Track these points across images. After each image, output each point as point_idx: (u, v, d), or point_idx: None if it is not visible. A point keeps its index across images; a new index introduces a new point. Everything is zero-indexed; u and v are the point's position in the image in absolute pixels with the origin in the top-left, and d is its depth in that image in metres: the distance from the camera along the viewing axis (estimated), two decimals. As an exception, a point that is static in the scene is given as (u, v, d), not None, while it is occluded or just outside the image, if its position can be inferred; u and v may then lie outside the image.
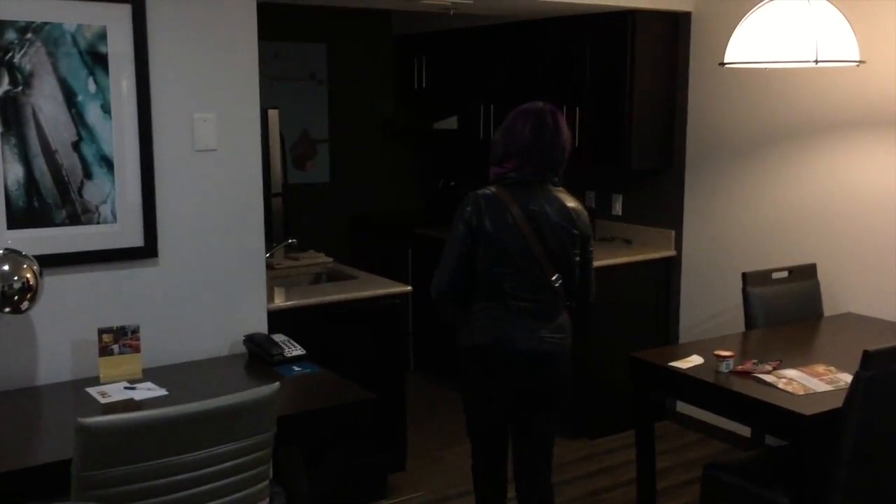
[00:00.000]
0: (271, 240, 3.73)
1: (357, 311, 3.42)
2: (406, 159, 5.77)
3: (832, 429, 2.46)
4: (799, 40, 2.78)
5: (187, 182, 2.83)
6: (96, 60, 2.63)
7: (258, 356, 2.84)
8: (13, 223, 2.58)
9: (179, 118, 2.78)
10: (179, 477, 1.96)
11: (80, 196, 2.66)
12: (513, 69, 4.71)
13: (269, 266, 3.55)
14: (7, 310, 2.42)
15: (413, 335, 5.07)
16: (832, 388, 2.64)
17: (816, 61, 2.79)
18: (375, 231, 5.39)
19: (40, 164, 2.59)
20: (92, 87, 2.64)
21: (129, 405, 2.43)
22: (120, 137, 2.69)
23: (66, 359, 2.68)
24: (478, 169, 2.92)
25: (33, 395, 2.59)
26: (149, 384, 2.58)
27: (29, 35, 2.53)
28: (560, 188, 2.78)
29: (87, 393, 2.52)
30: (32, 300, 2.44)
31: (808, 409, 2.49)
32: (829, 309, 3.64)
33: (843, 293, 3.67)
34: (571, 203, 2.75)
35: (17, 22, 2.51)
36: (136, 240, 2.76)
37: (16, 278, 2.40)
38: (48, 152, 2.60)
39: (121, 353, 2.64)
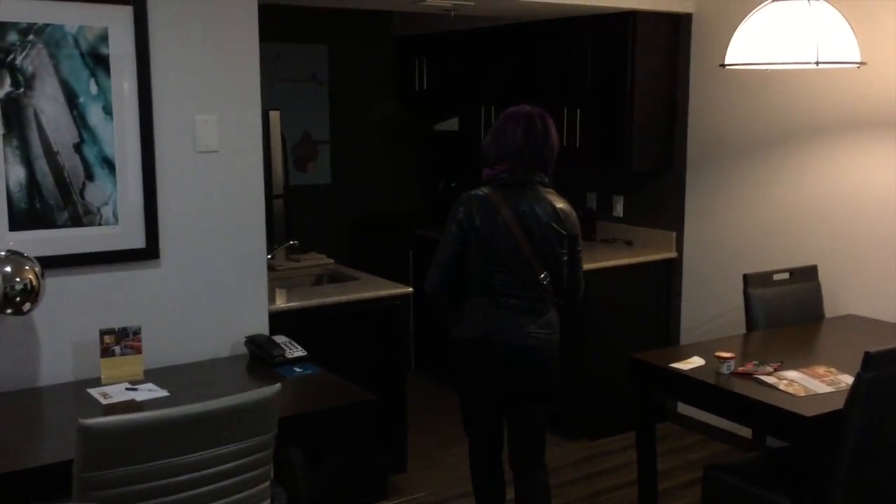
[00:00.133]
0: (272, 241, 3.73)
1: (358, 312, 3.42)
2: (407, 161, 5.78)
3: (833, 430, 2.46)
4: (800, 42, 2.78)
5: (189, 183, 2.83)
6: (98, 62, 2.64)
7: (259, 357, 2.84)
8: (15, 225, 2.58)
9: (181, 120, 2.79)
10: (181, 478, 1.96)
11: (82, 198, 2.67)
12: (513, 71, 4.72)
13: (271, 267, 3.56)
14: (9, 311, 2.43)
15: (414, 336, 5.07)
16: (833, 390, 2.64)
17: (817, 63, 2.79)
18: (376, 232, 5.40)
19: (42, 165, 2.60)
20: (93, 88, 2.64)
21: (131, 406, 2.43)
22: (121, 139, 2.70)
23: (67, 360, 2.68)
24: (478, 170, 2.97)
25: (35, 396, 2.60)
26: (150, 385, 2.58)
27: (31, 37, 2.54)
28: (550, 190, 2.87)
29: (89, 394, 2.52)
30: (34, 301, 2.45)
31: (809, 411, 2.49)
32: (830, 310, 3.64)
33: (844, 295, 3.67)
34: (560, 204, 2.85)
35: (18, 24, 2.51)
36: (137, 241, 2.76)
37: (17, 280, 2.41)
38: (50, 154, 2.60)
39: (122, 354, 2.64)
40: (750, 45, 2.90)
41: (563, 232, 2.83)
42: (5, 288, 2.39)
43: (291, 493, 2.54)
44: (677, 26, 4.22)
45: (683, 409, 4.30)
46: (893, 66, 3.43)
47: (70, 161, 2.63)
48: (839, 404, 2.48)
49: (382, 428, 3.49)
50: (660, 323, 4.40)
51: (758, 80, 3.89)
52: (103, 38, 2.63)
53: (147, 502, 1.93)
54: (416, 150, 5.77)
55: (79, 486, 1.89)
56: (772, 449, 3.29)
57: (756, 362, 2.82)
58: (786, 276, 3.56)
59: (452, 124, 5.13)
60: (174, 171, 2.80)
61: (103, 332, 2.63)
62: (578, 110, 4.33)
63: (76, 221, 2.66)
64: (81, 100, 2.63)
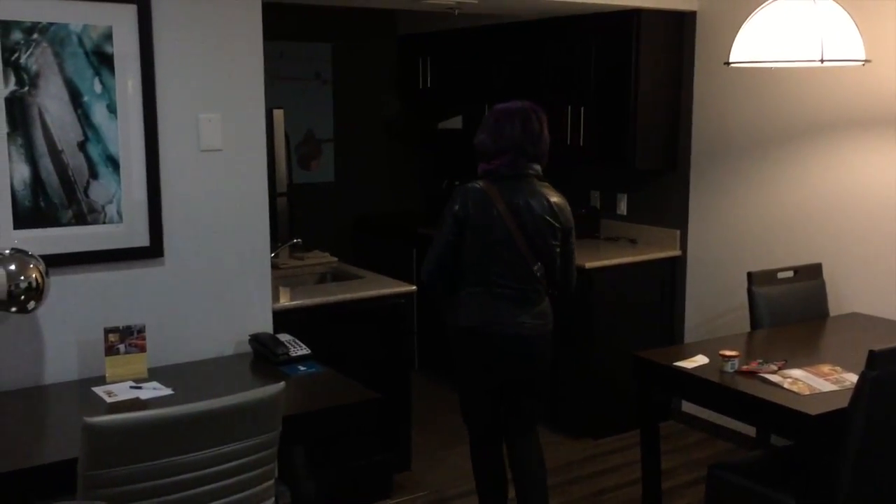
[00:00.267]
0: (276, 239, 3.73)
1: (362, 310, 3.42)
2: (410, 159, 5.78)
3: (838, 429, 2.46)
4: (804, 39, 2.77)
5: (193, 182, 2.83)
6: (102, 61, 2.64)
7: (263, 356, 2.85)
8: (19, 223, 2.58)
9: (185, 118, 2.79)
10: (185, 476, 1.96)
11: (86, 196, 2.67)
12: (517, 69, 4.71)
13: (275, 266, 3.56)
14: (13, 309, 2.43)
15: (417, 335, 5.07)
16: (838, 388, 2.63)
17: (822, 60, 2.78)
18: (379, 230, 5.40)
19: (46, 164, 2.60)
20: (98, 87, 2.64)
21: (135, 404, 2.43)
22: (126, 137, 2.70)
23: (72, 358, 2.69)
24: (482, 169, 2.99)
25: (39, 394, 2.60)
26: (154, 384, 2.58)
27: (35, 35, 2.54)
28: (545, 183, 2.96)
29: (93, 392, 2.53)
30: (38, 300, 2.45)
31: (814, 409, 2.48)
32: (834, 309, 3.64)
33: (848, 293, 3.66)
34: (555, 198, 2.93)
35: (23, 22, 2.52)
36: (141, 239, 2.76)
37: (22, 278, 2.41)
38: (54, 152, 2.61)
39: (127, 352, 2.65)
40: (754, 43, 2.89)
41: (557, 225, 2.91)
42: (10, 286, 2.39)
43: (295, 491, 2.54)
44: (681, 24, 4.21)
45: (687, 407, 4.30)
46: (898, 63, 3.42)
47: (74, 159, 2.64)
48: (844, 403, 2.48)
49: (386, 426, 3.49)
50: (663, 321, 4.39)
51: (762, 77, 3.88)
52: (108, 36, 2.64)
53: (151, 500, 1.94)
54: (420, 148, 5.77)
55: (83, 484, 1.90)
56: (776, 447, 3.28)
57: (760, 361, 2.82)
58: (790, 274, 3.56)
59: (456, 123, 5.13)
60: (178, 170, 2.80)
61: (108, 331, 2.63)
62: (582, 108, 4.32)
63: (80, 220, 2.67)
64: (86, 98, 2.63)
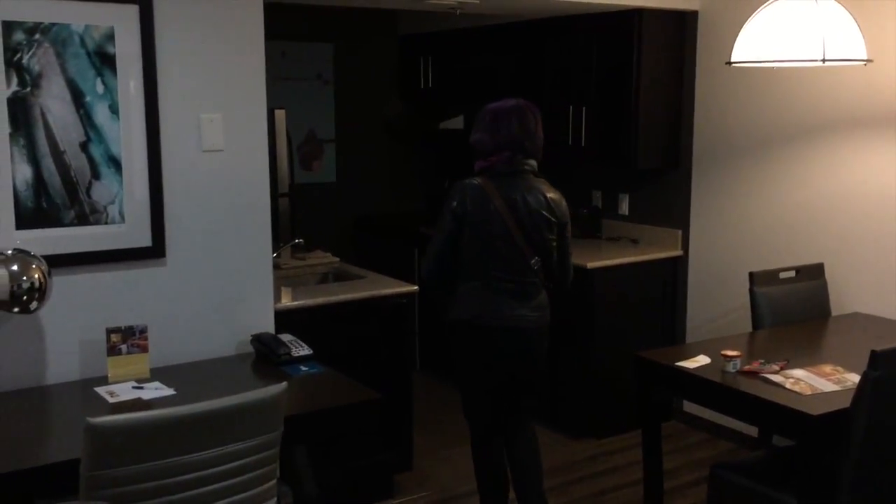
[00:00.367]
0: (278, 240, 3.73)
1: (364, 310, 3.42)
2: (412, 159, 5.78)
3: (840, 429, 2.45)
4: (806, 39, 2.77)
5: (195, 182, 2.84)
6: (104, 61, 2.64)
7: (265, 356, 2.85)
8: (22, 223, 2.59)
9: (187, 118, 2.79)
10: (187, 476, 1.96)
11: (89, 196, 2.67)
12: (518, 69, 4.71)
13: (276, 266, 3.56)
14: (16, 310, 2.43)
15: (419, 335, 5.07)
16: (840, 388, 2.63)
17: (824, 60, 2.78)
18: (381, 231, 5.40)
19: (49, 164, 2.60)
20: (100, 87, 2.65)
21: (137, 405, 2.43)
22: (128, 138, 2.70)
23: (74, 358, 2.69)
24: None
25: (42, 394, 2.61)
26: (157, 384, 2.59)
27: (37, 36, 2.54)
28: (541, 178, 3.01)
29: (96, 392, 2.53)
30: (41, 300, 2.45)
31: (816, 409, 2.48)
32: (836, 309, 3.64)
33: (850, 293, 3.66)
34: (551, 193, 2.99)
35: (25, 23, 2.52)
36: (143, 240, 2.77)
37: (24, 278, 2.41)
38: (56, 153, 2.61)
39: (129, 352, 2.65)
40: (756, 43, 2.89)
41: (553, 219, 2.97)
42: (12, 286, 2.39)
43: (297, 491, 2.54)
44: (683, 24, 4.21)
45: (689, 407, 4.30)
46: (900, 63, 3.41)
47: (76, 160, 2.64)
48: (846, 403, 2.48)
49: (388, 427, 3.50)
50: (665, 321, 4.39)
51: (764, 77, 3.88)
52: (109, 37, 2.64)
53: (154, 500, 1.94)
54: (421, 148, 5.77)
55: (86, 484, 1.90)
56: (778, 448, 3.28)
57: (762, 361, 2.82)
58: (792, 274, 3.55)
59: (457, 123, 5.13)
60: (180, 170, 2.80)
61: (110, 331, 2.63)
62: (584, 108, 4.32)
63: (82, 220, 2.67)
64: (88, 99, 2.63)
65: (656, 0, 4.05)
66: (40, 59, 2.55)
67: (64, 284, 2.62)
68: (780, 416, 2.55)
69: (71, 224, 2.65)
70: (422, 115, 5.47)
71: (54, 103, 2.59)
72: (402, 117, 5.65)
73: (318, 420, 2.47)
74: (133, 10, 2.66)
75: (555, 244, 3.00)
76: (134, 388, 2.56)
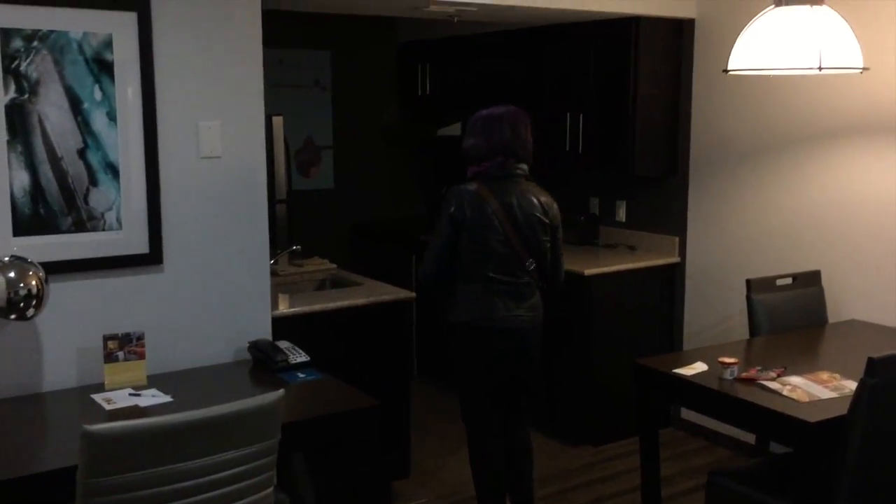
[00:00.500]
0: (276, 246, 3.73)
1: (361, 317, 3.42)
2: (410, 166, 5.78)
3: (837, 436, 2.46)
4: (802, 47, 2.78)
5: (192, 189, 2.84)
6: (102, 68, 2.65)
7: (263, 363, 2.85)
8: (19, 230, 2.58)
9: (184, 125, 2.80)
10: (184, 484, 1.96)
11: (86, 203, 2.67)
12: (516, 76, 4.72)
13: (274, 272, 3.56)
14: (13, 316, 2.43)
15: (416, 342, 5.07)
16: (837, 396, 2.63)
17: (820, 68, 2.79)
18: (379, 237, 5.40)
19: (46, 171, 2.60)
20: (98, 94, 2.65)
21: (134, 412, 2.43)
22: (125, 145, 2.70)
23: (71, 365, 2.69)
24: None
25: (38, 401, 2.60)
26: (153, 391, 2.58)
27: (35, 43, 2.55)
28: (532, 183, 3.10)
29: (93, 399, 2.53)
30: (38, 307, 2.45)
31: (813, 417, 2.48)
32: (833, 316, 3.64)
33: (847, 300, 3.66)
34: (543, 196, 3.09)
35: (23, 30, 2.52)
36: (141, 247, 2.77)
37: (21, 285, 2.41)
38: (54, 160, 2.61)
39: (126, 359, 2.65)
40: (753, 51, 2.90)
41: (547, 221, 3.07)
42: (9, 293, 2.39)
43: (295, 498, 2.54)
44: (680, 32, 4.22)
45: (687, 414, 4.29)
46: (896, 71, 3.42)
47: (74, 167, 2.64)
48: (843, 410, 2.48)
49: (386, 433, 3.49)
50: (663, 328, 4.40)
51: (761, 85, 3.89)
52: (108, 44, 2.64)
53: (151, 508, 1.93)
54: (419, 155, 5.77)
55: (82, 491, 1.89)
56: (775, 455, 3.28)
57: (759, 368, 2.82)
58: (789, 281, 3.56)
59: (455, 129, 5.12)
60: (178, 177, 2.80)
61: (107, 338, 2.63)
62: (581, 115, 4.33)
63: (80, 227, 2.67)
64: (85, 106, 2.63)
65: (654, 8, 4.06)
66: (38, 66, 2.56)
67: (61, 291, 2.62)
68: (778, 424, 2.55)
69: (68, 231, 2.65)
70: (420, 121, 5.48)
71: (52, 110, 2.59)
72: (400, 124, 5.66)
73: (316, 427, 2.47)
74: (131, 18, 2.66)
75: (548, 245, 3.09)
76: (131, 395, 2.56)
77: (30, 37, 2.53)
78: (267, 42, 2.94)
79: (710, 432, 4.19)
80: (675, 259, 4.37)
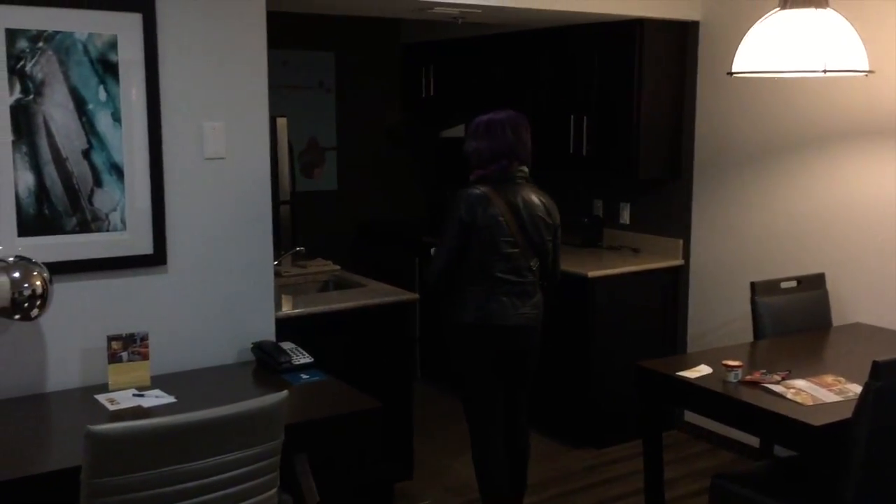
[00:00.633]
0: (279, 247, 3.73)
1: (364, 318, 3.42)
2: (413, 167, 5.79)
3: (841, 439, 2.45)
4: (807, 50, 2.77)
5: (196, 190, 2.84)
6: (107, 69, 2.65)
7: (266, 364, 2.85)
8: (24, 230, 2.59)
9: (189, 126, 2.80)
10: (188, 485, 1.96)
11: (90, 204, 2.67)
12: (520, 78, 4.72)
13: (277, 274, 3.56)
14: (17, 317, 2.43)
15: (420, 343, 5.07)
16: (841, 399, 2.63)
17: (825, 71, 2.78)
18: (382, 239, 5.40)
19: (51, 171, 2.61)
20: (102, 95, 2.65)
21: (138, 412, 2.43)
22: (130, 145, 2.71)
23: (75, 366, 2.69)
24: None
25: (42, 401, 2.60)
26: (157, 391, 2.58)
27: (40, 44, 2.55)
28: (533, 185, 3.16)
29: (96, 400, 2.53)
30: (42, 307, 2.45)
31: (817, 420, 2.48)
32: (837, 319, 3.63)
33: (851, 303, 3.66)
34: (544, 198, 3.18)
35: (28, 31, 2.53)
36: (145, 247, 2.77)
37: (26, 285, 2.41)
38: (59, 160, 2.61)
39: (130, 360, 2.65)
40: (757, 53, 2.89)
41: (550, 221, 3.16)
42: (13, 293, 2.39)
43: (298, 500, 2.53)
44: (684, 34, 4.22)
45: (690, 417, 4.29)
46: (901, 74, 3.42)
47: (79, 167, 2.64)
48: (847, 413, 2.47)
49: (389, 435, 3.49)
50: (666, 331, 4.39)
51: (765, 87, 3.89)
52: (112, 45, 2.65)
53: (154, 509, 1.93)
54: (423, 156, 5.77)
55: (86, 492, 1.89)
56: (779, 458, 3.27)
57: (764, 371, 2.82)
58: (793, 284, 3.55)
59: (459, 131, 5.11)
60: (182, 178, 2.81)
61: (111, 338, 2.63)
62: (585, 118, 4.33)
63: (84, 227, 2.67)
64: (90, 106, 2.64)
65: (658, 10, 4.06)
66: (43, 66, 2.56)
67: (65, 292, 2.62)
68: (782, 427, 2.55)
69: (73, 231, 2.66)
70: (423, 123, 5.48)
71: (57, 111, 2.59)
72: (403, 125, 5.66)
73: (319, 428, 2.47)
74: (136, 19, 2.66)
75: (551, 245, 3.18)
76: (135, 395, 2.56)
77: (35, 37, 2.54)
78: (271, 43, 2.94)
79: (714, 435, 4.18)
80: (679, 261, 4.36)
